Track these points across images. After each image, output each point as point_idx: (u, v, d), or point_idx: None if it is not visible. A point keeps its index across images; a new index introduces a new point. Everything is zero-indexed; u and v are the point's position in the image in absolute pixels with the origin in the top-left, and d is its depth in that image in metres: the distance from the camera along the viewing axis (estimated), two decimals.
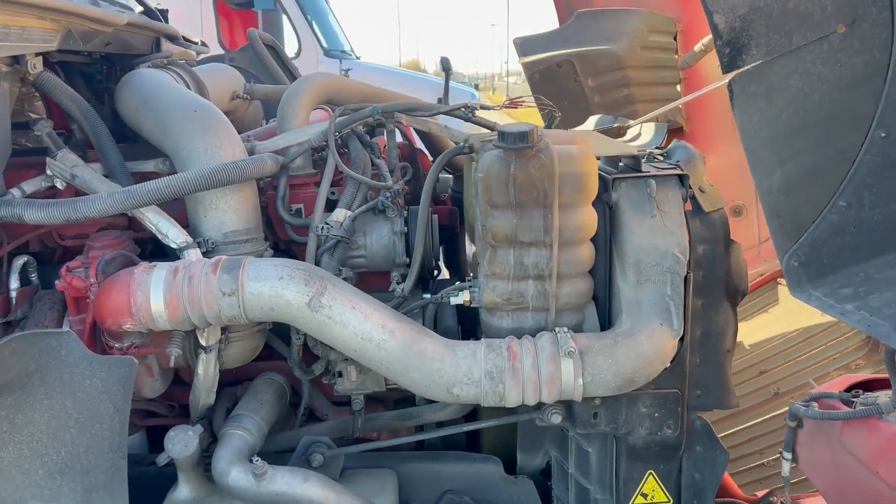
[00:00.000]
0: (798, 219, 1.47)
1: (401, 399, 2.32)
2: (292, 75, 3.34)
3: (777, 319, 3.22)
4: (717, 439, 1.82)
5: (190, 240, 1.83)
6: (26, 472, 1.71)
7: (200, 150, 1.86)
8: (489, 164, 1.66)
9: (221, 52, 3.33)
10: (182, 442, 1.76)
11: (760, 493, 2.13)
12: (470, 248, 2.71)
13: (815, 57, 1.38)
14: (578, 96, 3.54)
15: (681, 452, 1.85)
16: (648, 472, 1.86)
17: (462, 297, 1.79)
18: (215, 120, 1.93)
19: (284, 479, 1.74)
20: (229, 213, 1.87)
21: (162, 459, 1.78)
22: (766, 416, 2.75)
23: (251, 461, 1.74)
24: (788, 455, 1.74)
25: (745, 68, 1.40)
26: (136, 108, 2.04)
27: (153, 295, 1.64)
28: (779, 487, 2.22)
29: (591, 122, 2.86)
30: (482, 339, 1.73)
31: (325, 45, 9.63)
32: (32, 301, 2.00)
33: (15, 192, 1.85)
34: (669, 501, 1.88)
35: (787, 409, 2.79)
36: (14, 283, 1.98)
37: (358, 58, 10.17)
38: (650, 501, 1.88)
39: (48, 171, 1.91)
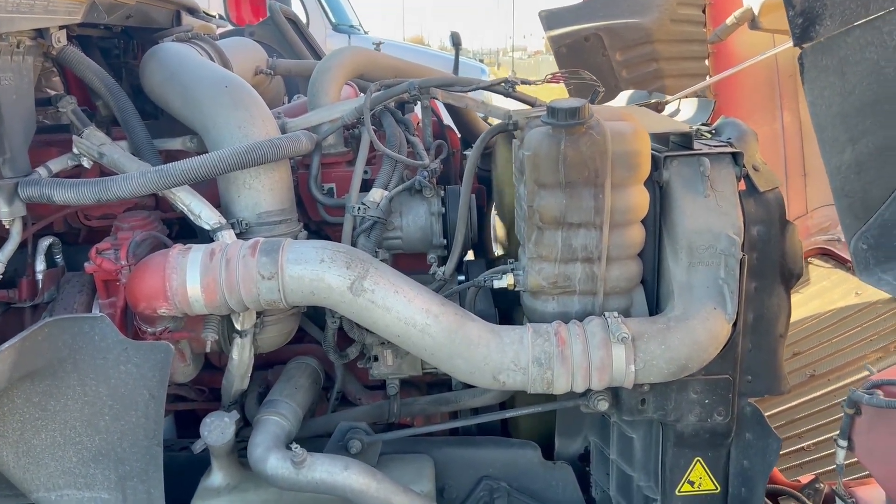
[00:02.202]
0: (868, 199, 1.40)
1: (434, 383, 2.27)
2: (313, 50, 3.25)
3: (809, 300, 3.15)
4: (769, 426, 1.76)
5: (223, 221, 1.77)
6: (60, 459, 1.67)
7: (232, 126, 1.79)
8: (538, 142, 1.59)
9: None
10: (219, 429, 1.72)
11: (803, 479, 2.08)
12: (497, 228, 2.65)
13: (892, 27, 1.30)
14: (606, 71, 3.45)
15: (730, 439, 1.79)
16: (696, 459, 1.81)
17: (506, 281, 1.73)
18: (247, 96, 1.86)
19: (324, 467, 1.69)
20: (263, 193, 1.81)
21: (198, 446, 1.74)
22: (803, 399, 2.70)
23: (289, 448, 1.70)
24: (844, 442, 1.68)
25: (819, 40, 1.32)
26: (163, 82, 1.97)
27: (189, 278, 1.58)
28: (823, 473, 2.17)
29: (623, 97, 2.77)
30: (528, 324, 1.67)
31: (333, 19, 9.49)
32: (59, 284, 1.95)
33: (41, 170, 1.79)
34: (717, 489, 1.83)
35: (824, 391, 2.75)
36: (40, 266, 1.92)
37: (366, 32, 10.03)
38: (697, 489, 1.83)
39: (74, 150, 1.85)
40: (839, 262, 3.23)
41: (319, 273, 1.58)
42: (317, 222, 2.05)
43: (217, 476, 1.90)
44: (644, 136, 1.60)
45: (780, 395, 1.76)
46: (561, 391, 1.63)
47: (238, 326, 1.77)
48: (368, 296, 1.59)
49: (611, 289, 1.70)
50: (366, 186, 1.97)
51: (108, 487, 1.69)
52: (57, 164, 1.83)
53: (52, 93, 2.33)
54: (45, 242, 1.95)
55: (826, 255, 3.34)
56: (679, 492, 1.83)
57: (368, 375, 2.03)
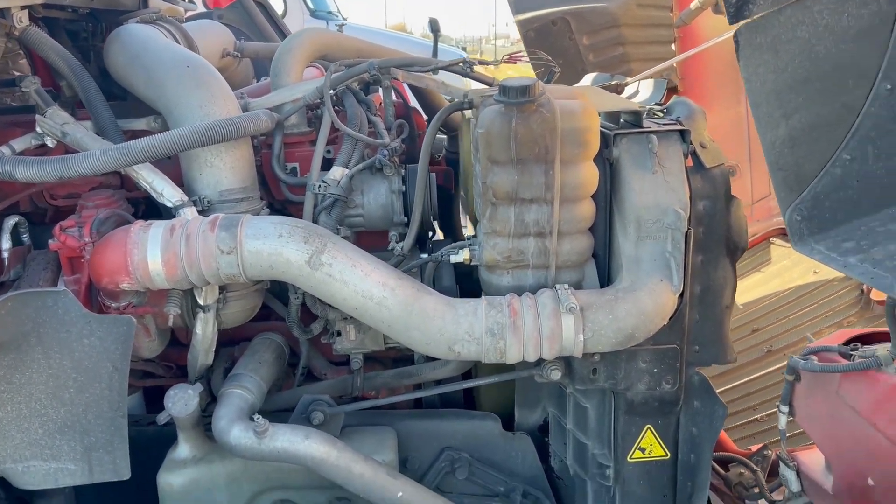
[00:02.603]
0: (801, 172, 1.46)
1: (398, 359, 2.32)
2: (282, 33, 3.27)
3: (770, 279, 3.23)
4: (716, 394, 1.83)
5: (185, 198, 1.80)
6: (25, 431, 1.70)
7: (194, 105, 1.83)
8: (490, 120, 1.64)
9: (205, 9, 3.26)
10: (182, 400, 1.76)
11: (755, 448, 2.16)
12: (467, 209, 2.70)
13: (822, 7, 1.36)
14: (573, 55, 3.50)
15: (679, 407, 1.86)
16: (647, 426, 1.88)
17: (462, 255, 1.78)
18: (209, 75, 1.89)
19: (286, 437, 1.75)
20: (225, 171, 1.85)
21: (162, 418, 1.78)
22: (759, 374, 2.78)
23: (252, 419, 1.74)
24: (785, 409, 1.76)
25: (752, 18, 1.38)
26: (127, 64, 1.99)
27: (150, 253, 1.62)
28: (773, 441, 2.25)
29: (588, 80, 2.82)
30: (483, 297, 1.72)
31: (311, 5, 9.46)
32: (25, 261, 1.98)
33: (4, 149, 1.82)
34: (667, 455, 1.90)
35: (780, 365, 2.83)
36: (6, 244, 1.95)
37: (345, 19, 10.00)
38: (648, 455, 1.90)
39: (38, 129, 1.87)
40: None
41: (278, 247, 1.63)
42: (280, 201, 2.09)
43: (184, 448, 1.94)
44: (593, 113, 1.66)
45: (727, 363, 1.83)
46: (513, 360, 1.69)
47: (201, 301, 1.81)
48: (326, 269, 1.64)
49: (563, 262, 1.76)
50: (328, 166, 2.02)
51: (74, 458, 1.73)
52: (20, 144, 1.85)
53: (17, 74, 2.35)
54: (11, 221, 1.97)
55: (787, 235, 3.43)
56: (631, 458, 1.90)
57: (332, 351, 2.08)
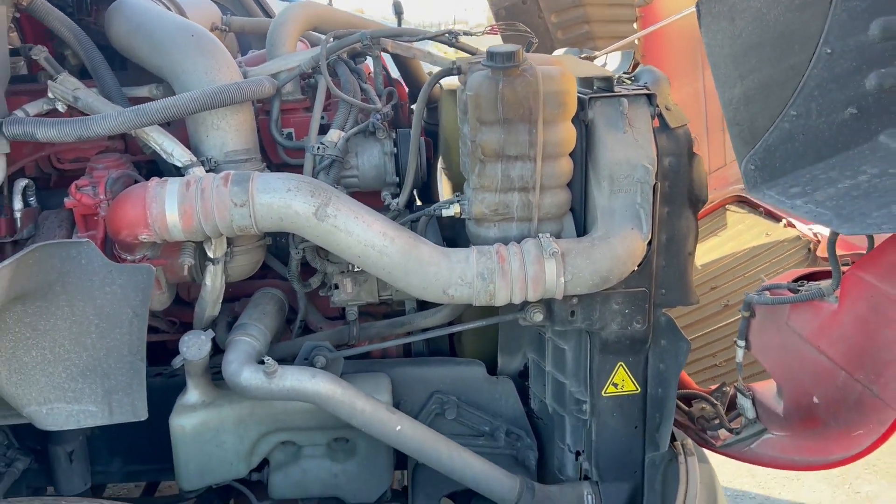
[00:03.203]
0: (755, 127, 1.66)
1: (388, 314, 2.49)
2: (264, 9, 3.39)
3: (726, 242, 3.47)
4: (680, 331, 2.04)
5: (194, 158, 1.94)
6: (49, 375, 1.83)
7: (200, 71, 1.96)
8: (479, 83, 1.81)
9: None
10: (196, 345, 1.90)
11: (714, 386, 2.38)
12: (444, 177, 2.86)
13: None
14: (542, 32, 3.68)
15: (647, 345, 2.06)
16: (619, 363, 2.08)
17: (453, 210, 1.95)
18: (212, 44, 2.02)
19: (294, 376, 1.90)
20: (230, 133, 1.98)
21: (177, 362, 1.92)
22: (718, 325, 3.02)
23: (263, 361, 1.90)
24: (742, 343, 1.97)
25: None
26: (130, 33, 2.11)
27: (168, 206, 1.76)
28: (732, 381, 2.48)
29: (559, 54, 3.01)
30: (473, 247, 1.90)
31: None
32: (37, 222, 2.09)
33: (19, 113, 1.92)
34: (637, 390, 2.10)
35: (736, 318, 3.06)
36: (18, 204, 2.05)
37: None
38: (620, 390, 2.10)
39: (49, 94, 1.98)
40: (753, 207, 3.56)
41: (287, 200, 1.78)
42: (277, 164, 2.23)
43: (193, 394, 2.09)
44: (571, 78, 1.84)
45: (690, 305, 2.03)
46: (501, 302, 1.87)
47: (210, 254, 1.95)
48: (331, 221, 1.79)
49: (544, 215, 1.94)
50: (322, 131, 2.16)
51: (95, 400, 1.87)
52: (33, 108, 1.96)
53: (11, 46, 2.44)
54: (22, 183, 2.08)
55: (742, 202, 3.67)
56: (605, 393, 2.10)
57: (329, 304, 2.24)
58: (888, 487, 4.20)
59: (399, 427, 1.99)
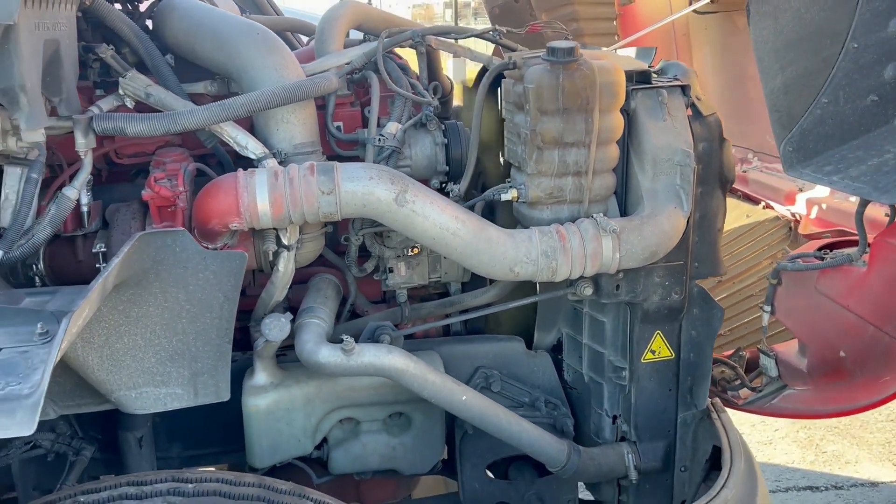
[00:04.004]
0: (792, 113, 1.88)
1: (425, 297, 2.63)
2: (274, 8, 3.47)
3: None
4: (713, 300, 2.26)
5: (267, 151, 2.04)
6: (139, 360, 1.91)
7: (269, 68, 2.06)
8: (540, 76, 1.97)
9: None
10: (277, 327, 2.01)
11: (729, 352, 2.62)
12: None
13: None
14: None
15: (682, 314, 2.27)
16: (657, 331, 2.28)
17: (511, 194, 2.11)
18: (277, 42, 2.12)
19: (371, 352, 2.03)
20: (298, 126, 2.09)
21: (259, 344, 2.02)
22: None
23: (342, 339, 2.02)
24: (768, 308, 2.20)
25: None
26: (191, 30, 2.18)
27: (259, 195, 1.86)
28: (746, 346, 2.72)
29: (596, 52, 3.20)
30: (533, 228, 2.06)
31: None
32: (104, 215, 2.15)
33: (94, 109, 1.99)
34: (672, 355, 2.31)
35: (728, 293, 3.34)
36: (84, 198, 2.11)
37: None
38: (657, 356, 2.31)
39: (120, 91, 2.05)
40: (731, 192, 3.85)
41: (370, 188, 1.91)
42: (329, 156, 2.35)
43: (261, 376, 2.19)
44: (621, 70, 2.03)
45: (718, 276, 2.25)
46: (561, 278, 2.05)
47: (285, 241, 2.05)
48: (410, 206, 1.93)
49: (594, 197, 2.12)
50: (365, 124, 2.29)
51: (181, 383, 1.95)
52: (106, 104, 2.03)
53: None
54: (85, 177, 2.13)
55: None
56: (643, 360, 2.30)
57: (382, 286, 2.37)
58: (850, 446, 4.59)
59: (465, 397, 2.14)
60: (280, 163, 2.06)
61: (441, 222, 1.95)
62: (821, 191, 3.44)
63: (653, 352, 2.30)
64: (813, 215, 3.40)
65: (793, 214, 3.50)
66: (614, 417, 2.41)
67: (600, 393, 2.43)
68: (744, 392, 2.45)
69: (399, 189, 1.92)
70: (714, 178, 2.19)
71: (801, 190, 3.52)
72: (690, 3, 4.21)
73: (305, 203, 1.88)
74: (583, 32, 3.94)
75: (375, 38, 2.50)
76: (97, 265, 2.08)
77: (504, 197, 2.11)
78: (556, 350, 2.59)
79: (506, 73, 2.16)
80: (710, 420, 2.30)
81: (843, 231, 3.17)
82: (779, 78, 1.86)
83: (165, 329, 1.89)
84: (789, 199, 3.53)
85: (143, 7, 2.57)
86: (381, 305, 2.53)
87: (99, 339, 1.86)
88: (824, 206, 3.36)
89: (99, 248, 2.06)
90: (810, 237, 3.28)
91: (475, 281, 2.46)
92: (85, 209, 2.10)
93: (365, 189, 1.90)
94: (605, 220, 2.02)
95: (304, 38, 3.29)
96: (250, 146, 2.02)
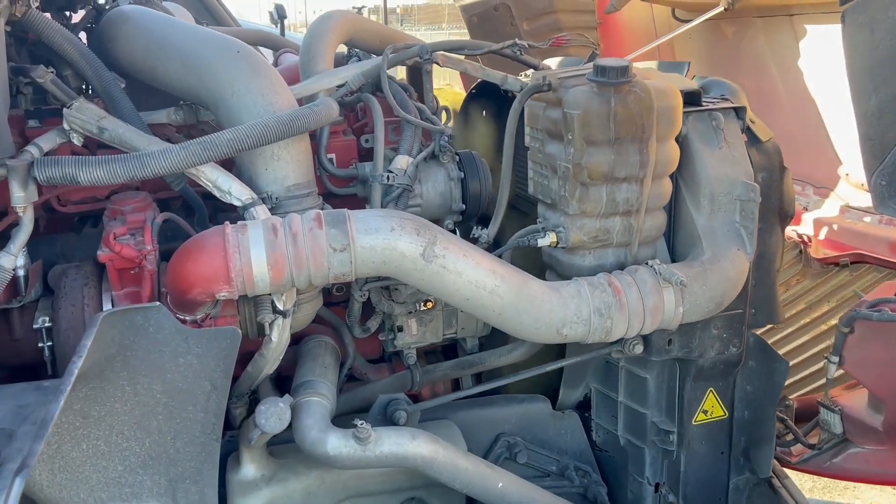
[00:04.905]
0: (884, 141, 1.61)
1: (431, 351, 2.28)
2: (230, 15, 3.04)
3: None
4: (774, 351, 1.97)
5: (255, 196, 1.65)
6: (103, 469, 1.51)
7: (255, 94, 1.67)
8: (587, 101, 1.65)
9: None
10: (275, 415, 1.62)
11: None
12: None
13: None
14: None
15: (738, 368, 1.98)
16: (710, 389, 1.98)
17: (549, 239, 1.77)
18: (261, 61, 1.73)
19: (392, 440, 1.67)
20: (292, 164, 1.71)
21: (253, 436, 1.63)
22: None
23: (356, 425, 1.64)
24: (836, 358, 1.93)
25: (855, 1, 1.49)
26: (149, 47, 1.78)
27: (255, 257, 1.47)
28: (790, 395, 2.45)
29: (554, 63, 2.89)
30: (579, 279, 1.73)
31: None
32: (44, 278, 1.73)
33: (32, 150, 1.56)
34: (725, 414, 2.02)
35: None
36: (21, 260, 1.68)
37: None
38: (710, 417, 2.01)
39: (65, 125, 1.62)
40: None
41: (392, 241, 1.54)
42: (321, 195, 1.97)
43: (249, 468, 1.80)
44: (678, 92, 1.72)
45: (778, 323, 1.97)
46: (615, 338, 1.72)
47: (280, 306, 1.66)
48: (440, 261, 1.57)
49: (643, 239, 1.81)
50: (368, 156, 1.93)
51: (157, 493, 1.55)
52: (47, 142, 1.60)
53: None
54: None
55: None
56: (695, 421, 2.00)
57: (390, 346, 2.00)
58: None
59: (501, 484, 1.79)
60: (271, 209, 1.68)
61: (477, 279, 1.60)
62: (829, 209, 3.23)
63: (705, 412, 2.00)
64: (822, 237, 3.17)
65: (800, 236, 3.27)
66: (657, 485, 2.10)
67: (640, 458, 2.11)
68: (797, 448, 2.17)
69: (426, 241, 1.56)
70: (773, 213, 1.91)
71: (805, 209, 3.30)
72: (673, 13, 3.98)
73: (313, 264, 1.50)
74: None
75: (364, 55, 2.15)
76: (39, 344, 1.65)
77: (541, 243, 1.77)
78: (581, 406, 2.27)
79: (536, 95, 1.82)
80: (771, 488, 2.02)
81: (861, 255, 2.95)
82: (872, 100, 1.58)
83: (136, 429, 1.49)
84: (795, 219, 3.30)
85: (76, 18, 2.15)
86: (381, 366, 2.16)
87: (48, 448, 1.43)
88: (835, 226, 3.13)
89: (42, 322, 1.64)
90: (825, 261, 3.06)
91: (494, 333, 2.13)
92: (21, 272, 1.67)
93: (386, 243, 1.53)
94: (666, 269, 1.70)
95: (268, 53, 2.88)
96: (234, 190, 1.63)
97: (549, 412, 2.17)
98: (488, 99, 2.33)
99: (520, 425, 2.15)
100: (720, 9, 2.93)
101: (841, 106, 3.24)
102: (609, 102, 1.64)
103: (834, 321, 2.96)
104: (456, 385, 2.25)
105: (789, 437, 2.19)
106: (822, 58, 3.30)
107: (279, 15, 3.63)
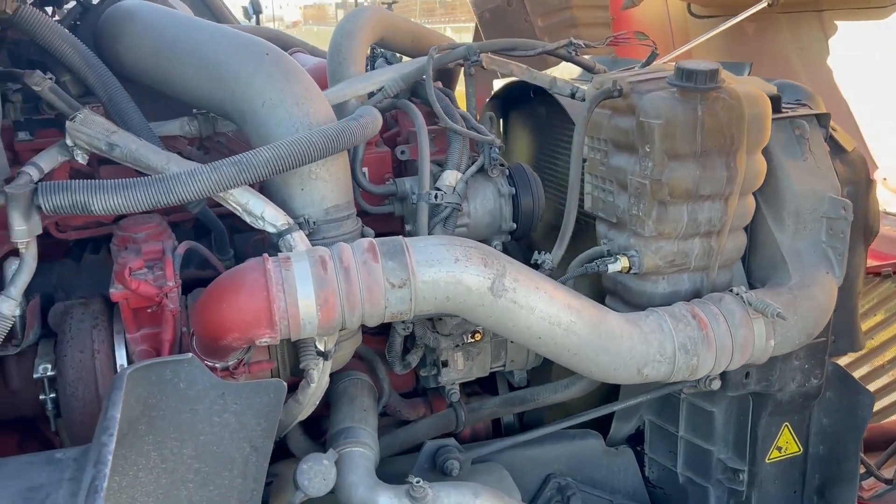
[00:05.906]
0: None
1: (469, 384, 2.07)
2: (229, 11, 2.80)
3: None
4: (857, 382, 1.80)
5: (291, 221, 1.42)
6: None
7: (289, 103, 1.44)
8: (670, 109, 1.45)
9: None
10: (320, 475, 1.40)
11: None
12: None
13: None
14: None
15: (816, 401, 1.80)
16: (785, 424, 1.80)
17: (620, 265, 1.57)
18: (294, 66, 1.51)
19: (452, 499, 1.45)
20: (331, 183, 1.48)
21: (296, 499, 1.41)
22: None
23: (411, 482, 1.43)
24: None
25: None
26: (161, 49, 1.54)
27: (302, 296, 1.25)
28: None
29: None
30: (657, 309, 1.53)
31: None
32: (43, 318, 1.49)
33: (30, 170, 1.32)
34: (800, 451, 1.84)
35: None
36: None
37: None
38: (784, 454, 1.83)
39: (68, 141, 1.38)
40: None
41: (457, 274, 1.32)
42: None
43: None
44: (767, 98, 1.53)
45: (859, 350, 1.80)
46: (700, 377, 1.53)
47: (321, 347, 1.44)
48: (510, 295, 1.36)
49: (723, 262, 1.62)
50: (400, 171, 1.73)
51: None
52: (47, 161, 1.36)
53: None
54: (13, 266, 1.46)
55: None
56: (768, 459, 1.82)
57: (435, 382, 1.79)
58: None
59: None
60: (308, 236, 1.45)
61: (550, 315, 1.39)
62: None
63: (779, 449, 1.82)
64: None
65: None
66: None
67: (703, 498, 1.92)
68: (868, 482, 2.00)
69: (495, 273, 1.35)
70: (858, 231, 1.73)
71: None
72: (689, 8, 3.82)
73: (368, 302, 1.28)
74: (583, 39, 3.47)
75: (391, 56, 1.94)
76: (41, 396, 1.42)
77: (612, 269, 1.57)
78: (632, 440, 2.08)
79: (605, 101, 1.61)
80: None
81: None
82: None
83: (162, 500, 1.26)
84: None
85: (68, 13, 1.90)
86: (416, 401, 1.95)
87: None
88: None
89: (44, 371, 1.40)
90: (865, 272, 2.90)
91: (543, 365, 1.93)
92: (17, 312, 1.43)
93: (450, 277, 1.32)
94: (759, 300, 1.51)
95: None
96: (268, 215, 1.40)
97: (602, 448, 1.98)
98: (499, 104, 2.16)
99: (570, 464, 1.95)
100: (764, 4, 2.76)
101: (876, 107, 3.10)
102: (695, 111, 1.44)
103: (885, 335, 2.82)
104: (496, 421, 2.05)
105: (861, 469, 2.02)
106: (855, 56, 3.14)
107: (254, 10, 3.39)
